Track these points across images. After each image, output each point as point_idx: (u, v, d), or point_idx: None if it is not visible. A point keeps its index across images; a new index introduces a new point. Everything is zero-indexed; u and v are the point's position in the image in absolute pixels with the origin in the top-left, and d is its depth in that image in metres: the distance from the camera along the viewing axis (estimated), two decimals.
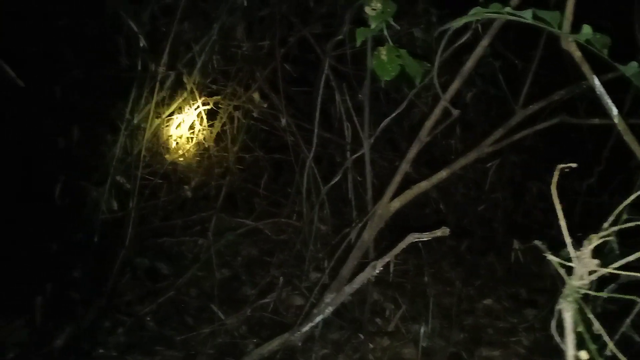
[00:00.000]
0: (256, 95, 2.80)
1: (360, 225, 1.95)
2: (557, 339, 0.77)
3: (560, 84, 1.86)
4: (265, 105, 2.79)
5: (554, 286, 2.62)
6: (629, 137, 1.13)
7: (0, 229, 2.81)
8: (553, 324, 0.77)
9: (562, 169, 0.85)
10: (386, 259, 1.61)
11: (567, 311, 0.73)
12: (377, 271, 1.62)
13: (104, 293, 2.47)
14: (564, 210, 1.03)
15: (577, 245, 0.95)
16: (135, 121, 2.67)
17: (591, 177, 2.36)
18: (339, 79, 2.59)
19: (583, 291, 0.73)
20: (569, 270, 0.79)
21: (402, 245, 1.59)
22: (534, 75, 1.88)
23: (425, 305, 2.48)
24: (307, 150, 2.59)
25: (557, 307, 0.75)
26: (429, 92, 2.70)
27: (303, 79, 2.91)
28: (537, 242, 0.91)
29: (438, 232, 1.53)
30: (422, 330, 2.34)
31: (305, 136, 2.71)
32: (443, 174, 1.77)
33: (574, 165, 0.87)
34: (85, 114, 2.76)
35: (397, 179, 1.71)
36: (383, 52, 1.45)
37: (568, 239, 0.76)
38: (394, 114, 1.93)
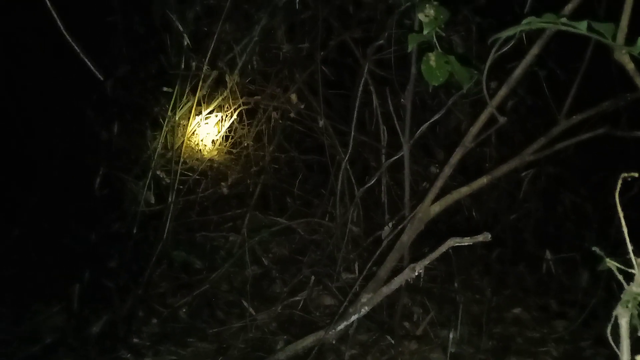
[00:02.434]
0: (294, 97, 2.85)
1: (396, 227, 1.97)
2: (612, 344, 0.78)
3: (603, 96, 1.86)
4: (302, 107, 2.84)
5: (585, 299, 2.60)
6: None
7: (42, 218, 2.92)
8: (608, 329, 0.78)
9: (624, 178, 0.86)
10: (425, 261, 1.63)
11: (624, 317, 0.75)
12: (417, 273, 1.65)
13: (140, 283, 2.53)
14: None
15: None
16: (177, 118, 2.74)
17: (631, 191, 2.35)
18: (377, 83, 2.62)
19: None
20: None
21: (443, 249, 1.60)
22: (579, 85, 1.88)
23: (454, 311, 2.48)
24: (342, 152, 2.63)
25: (614, 312, 0.76)
26: (466, 99, 2.71)
27: (340, 83, 2.95)
28: (595, 249, 0.92)
29: (480, 237, 1.54)
30: (450, 335, 2.35)
31: (341, 139, 2.75)
32: (484, 180, 1.78)
33: (637, 174, 0.88)
34: (128, 108, 2.85)
35: (439, 183, 1.73)
36: (432, 57, 1.48)
37: (630, 245, 0.78)
38: (433, 118, 1.96)
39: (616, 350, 0.77)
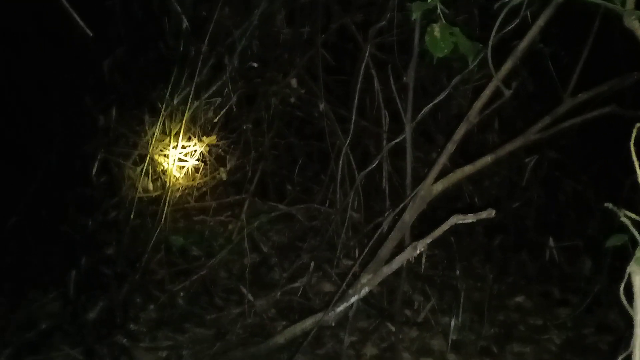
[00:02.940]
0: (294, 82, 2.82)
1: (398, 209, 1.93)
2: (625, 303, 0.75)
3: (609, 75, 1.83)
4: (302, 92, 2.81)
5: (588, 287, 2.57)
6: None
7: (39, 205, 2.88)
8: (621, 288, 0.75)
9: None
10: (427, 240, 1.60)
11: (638, 274, 0.72)
12: (418, 252, 1.61)
13: (138, 269, 2.50)
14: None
15: None
16: (175, 103, 2.71)
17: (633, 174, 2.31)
18: (378, 68, 2.58)
19: None
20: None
21: (445, 227, 1.57)
22: (584, 64, 1.85)
23: (456, 298, 2.46)
24: (343, 137, 2.59)
25: (628, 269, 0.73)
26: (468, 85, 2.67)
27: (341, 67, 2.91)
28: (608, 204, 0.89)
29: (483, 214, 1.51)
30: (452, 322, 2.32)
31: (341, 125, 2.71)
32: (488, 159, 1.75)
33: None
34: (126, 94, 2.81)
35: (442, 159, 1.70)
36: (436, 29, 1.44)
37: None
38: (437, 100, 1.92)
39: (629, 308, 0.74)
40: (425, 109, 1.98)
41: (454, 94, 2.72)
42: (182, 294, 2.42)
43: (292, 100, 2.82)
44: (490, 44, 1.39)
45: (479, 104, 1.62)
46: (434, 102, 1.95)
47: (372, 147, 2.88)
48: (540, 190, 2.96)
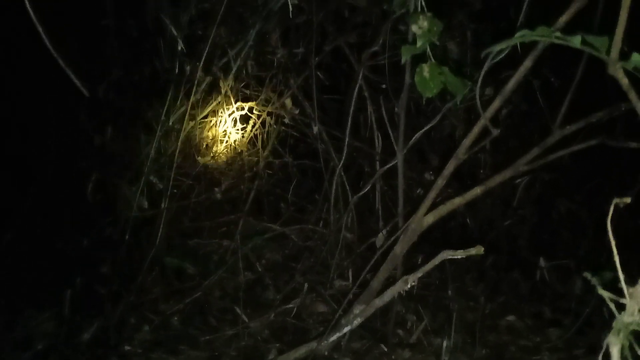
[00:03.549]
0: (288, 102, 2.84)
1: (390, 234, 1.95)
2: None
3: (598, 105, 1.85)
4: (297, 112, 2.83)
5: (579, 307, 2.60)
6: None
7: (34, 223, 2.90)
8: (599, 358, 0.77)
9: (616, 204, 0.85)
10: (418, 274, 1.62)
11: (615, 345, 0.73)
12: (409, 286, 1.64)
13: (132, 290, 2.52)
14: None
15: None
16: (170, 122, 2.73)
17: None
18: (372, 89, 2.61)
19: (633, 327, 0.73)
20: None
21: (435, 261, 1.60)
22: (573, 94, 1.87)
23: (448, 319, 2.48)
24: (337, 158, 2.61)
25: (606, 341, 0.75)
26: (461, 105, 2.70)
27: (335, 88, 2.93)
28: (587, 275, 0.91)
29: (472, 251, 1.53)
30: (444, 344, 2.34)
31: (335, 144, 2.73)
32: (477, 190, 1.77)
33: (628, 200, 0.86)
34: (122, 113, 2.83)
35: (432, 194, 1.72)
36: (426, 69, 1.47)
37: (621, 275, 0.76)
38: (427, 127, 1.95)
39: None
40: (416, 137, 2.00)
41: (447, 114, 2.74)
42: (176, 317, 2.43)
43: (287, 120, 2.84)
44: (478, 85, 1.41)
45: (467, 141, 1.64)
46: (424, 129, 1.97)
47: (366, 166, 2.90)
48: (533, 209, 2.99)
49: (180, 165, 2.77)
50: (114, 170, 2.80)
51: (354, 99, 2.45)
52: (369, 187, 2.30)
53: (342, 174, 2.53)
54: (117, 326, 2.41)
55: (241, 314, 2.47)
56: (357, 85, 2.42)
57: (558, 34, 1.26)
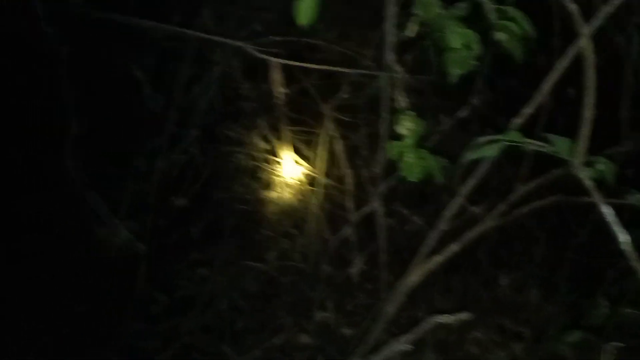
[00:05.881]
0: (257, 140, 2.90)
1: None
2: None
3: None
4: (268, 149, 2.89)
5: (536, 317, 2.85)
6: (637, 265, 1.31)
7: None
8: None
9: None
10: (410, 336, 1.77)
11: None
12: (402, 348, 1.79)
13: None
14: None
15: None
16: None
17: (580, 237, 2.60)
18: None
19: None
20: None
21: (426, 326, 1.75)
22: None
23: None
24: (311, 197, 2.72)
25: None
26: None
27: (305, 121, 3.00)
28: None
29: (462, 316, 1.69)
30: None
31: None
32: (455, 247, 1.93)
33: None
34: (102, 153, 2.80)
35: (418, 266, 1.87)
36: (410, 155, 1.59)
37: None
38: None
39: None
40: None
41: None
42: None
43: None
44: (456, 173, 1.55)
45: (448, 214, 1.79)
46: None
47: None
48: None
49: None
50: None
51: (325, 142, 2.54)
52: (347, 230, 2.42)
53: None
54: None
55: (230, 352, 2.58)
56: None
57: (528, 140, 1.39)
